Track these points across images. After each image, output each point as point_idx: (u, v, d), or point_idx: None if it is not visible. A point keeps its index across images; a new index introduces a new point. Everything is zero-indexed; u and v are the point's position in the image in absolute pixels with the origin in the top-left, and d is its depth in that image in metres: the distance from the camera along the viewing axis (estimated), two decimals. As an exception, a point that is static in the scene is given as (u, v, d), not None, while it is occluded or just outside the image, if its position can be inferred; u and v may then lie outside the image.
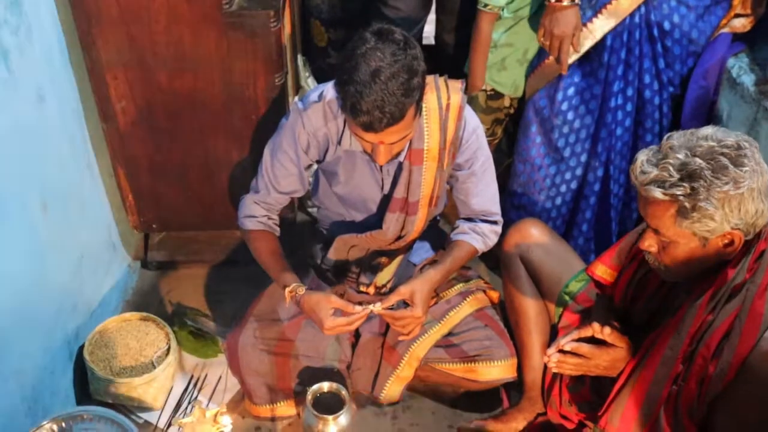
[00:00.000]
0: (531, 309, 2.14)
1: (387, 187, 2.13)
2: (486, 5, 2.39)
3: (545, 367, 2.12)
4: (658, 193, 1.54)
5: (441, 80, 2.04)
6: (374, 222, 2.19)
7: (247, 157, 2.49)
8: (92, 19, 2.18)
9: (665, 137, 1.60)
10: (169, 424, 2.25)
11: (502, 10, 2.40)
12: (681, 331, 1.65)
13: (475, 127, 2.09)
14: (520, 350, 2.17)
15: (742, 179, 1.50)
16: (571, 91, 2.36)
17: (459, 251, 2.19)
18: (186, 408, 2.30)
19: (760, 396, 1.60)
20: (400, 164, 2.07)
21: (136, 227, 2.71)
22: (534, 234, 2.14)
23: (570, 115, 2.38)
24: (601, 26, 2.27)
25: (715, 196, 1.50)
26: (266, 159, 2.11)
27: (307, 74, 2.79)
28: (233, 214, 2.23)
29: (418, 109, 1.87)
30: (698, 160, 1.51)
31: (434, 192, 2.12)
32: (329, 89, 2.02)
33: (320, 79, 2.87)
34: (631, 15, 2.25)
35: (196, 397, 2.34)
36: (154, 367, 2.27)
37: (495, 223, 2.23)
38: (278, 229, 2.18)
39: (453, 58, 2.80)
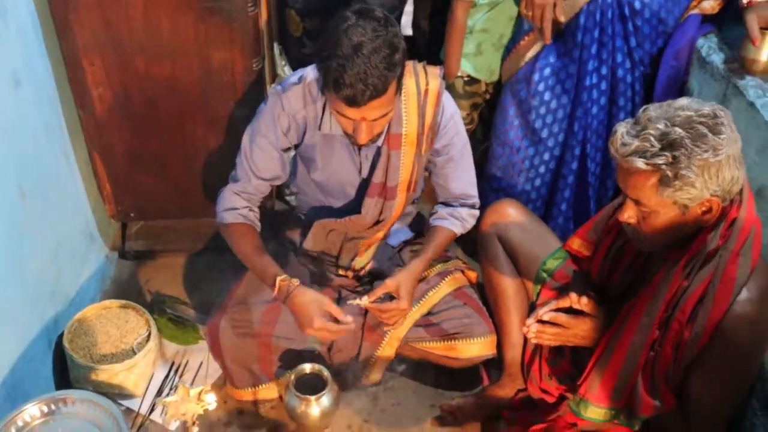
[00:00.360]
0: (509, 287, 2.15)
1: (365, 172, 2.15)
2: None
3: (525, 343, 2.15)
4: (640, 163, 1.57)
5: (420, 66, 2.06)
6: (353, 207, 2.20)
7: (224, 144, 2.47)
8: (68, 4, 2.17)
9: (641, 110, 1.63)
10: (153, 408, 2.24)
11: (477, -3, 2.43)
12: (657, 297, 1.69)
13: (452, 113, 2.12)
14: (499, 328, 2.19)
15: (720, 146, 1.54)
16: (547, 71, 2.38)
17: (439, 238, 2.22)
18: (167, 394, 2.28)
19: (732, 358, 1.65)
20: (379, 149, 2.09)
21: (113, 216, 2.68)
22: (511, 213, 2.16)
23: (547, 96, 2.41)
24: None
25: (695, 163, 1.53)
26: (245, 145, 2.11)
27: (283, 63, 2.79)
28: (212, 202, 2.21)
29: (399, 87, 1.89)
30: (678, 129, 1.55)
31: (412, 177, 2.14)
32: (309, 71, 2.03)
33: (296, 68, 2.86)
34: None
35: (178, 383, 2.33)
36: (135, 354, 2.26)
37: (473, 206, 2.27)
38: (259, 224, 2.16)
39: (428, 44, 2.83)
